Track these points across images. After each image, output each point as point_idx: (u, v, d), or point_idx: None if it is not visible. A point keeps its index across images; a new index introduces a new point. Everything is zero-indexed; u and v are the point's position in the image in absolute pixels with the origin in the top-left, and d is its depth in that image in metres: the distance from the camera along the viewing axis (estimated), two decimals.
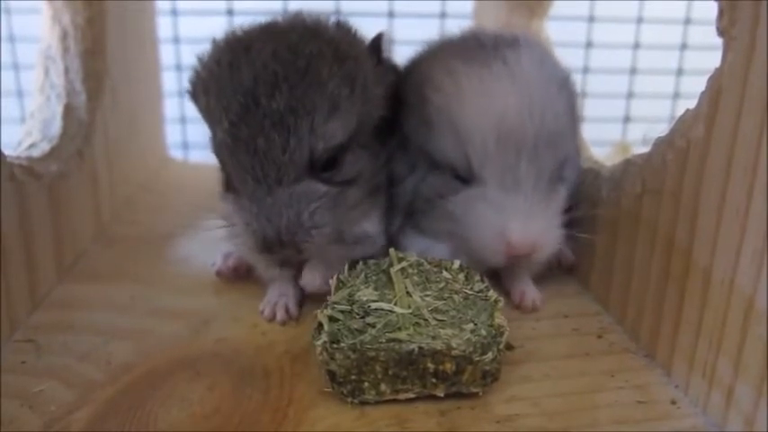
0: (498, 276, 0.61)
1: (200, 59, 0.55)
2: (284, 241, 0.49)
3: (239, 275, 0.62)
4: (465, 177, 0.54)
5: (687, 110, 0.47)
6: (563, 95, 0.55)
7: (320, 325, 0.46)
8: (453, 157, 0.54)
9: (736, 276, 0.42)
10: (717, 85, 0.43)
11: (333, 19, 0.57)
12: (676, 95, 1.25)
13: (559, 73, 0.57)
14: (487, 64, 0.54)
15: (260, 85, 0.48)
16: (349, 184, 0.53)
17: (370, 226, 0.57)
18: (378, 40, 0.57)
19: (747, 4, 0.40)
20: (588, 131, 0.78)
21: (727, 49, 0.42)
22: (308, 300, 0.58)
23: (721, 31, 0.43)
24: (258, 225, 0.49)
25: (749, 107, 0.40)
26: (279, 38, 0.51)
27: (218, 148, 0.51)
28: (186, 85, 0.55)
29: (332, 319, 0.46)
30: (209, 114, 0.52)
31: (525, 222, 0.52)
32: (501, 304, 0.48)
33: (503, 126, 0.51)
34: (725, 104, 0.42)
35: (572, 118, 0.57)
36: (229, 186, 0.53)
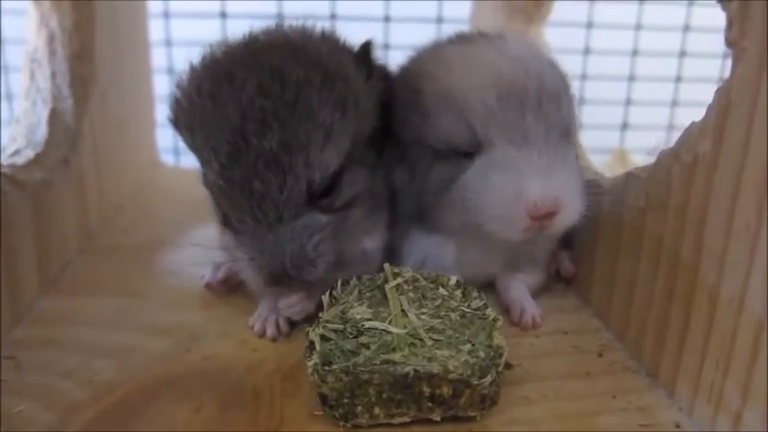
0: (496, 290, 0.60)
1: (179, 85, 0.52)
2: (293, 277, 0.47)
3: (229, 288, 0.61)
4: (471, 150, 0.51)
5: (693, 122, 0.46)
6: (554, 69, 0.54)
7: (312, 344, 0.44)
8: (455, 133, 0.51)
9: (745, 297, 0.40)
10: (725, 98, 0.41)
11: (318, 28, 0.55)
12: (675, 103, 1.24)
13: (547, 58, 0.55)
14: (476, 42, 0.54)
15: (248, 122, 0.46)
16: (349, 206, 0.51)
17: (371, 242, 0.55)
18: (366, 49, 0.55)
19: (759, 14, 0.38)
20: (586, 139, 0.77)
21: (737, 61, 0.40)
22: None
23: (730, 42, 0.41)
24: (263, 260, 0.47)
25: (761, 121, 0.38)
26: (262, 64, 0.48)
27: (211, 187, 0.49)
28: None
29: (324, 339, 0.44)
30: (196, 152, 0.50)
31: (544, 177, 0.49)
32: (500, 323, 0.46)
33: (501, 81, 0.50)
34: (734, 118, 0.41)
35: (567, 88, 0.54)
36: (227, 222, 0.51)
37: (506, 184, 0.49)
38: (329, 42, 0.54)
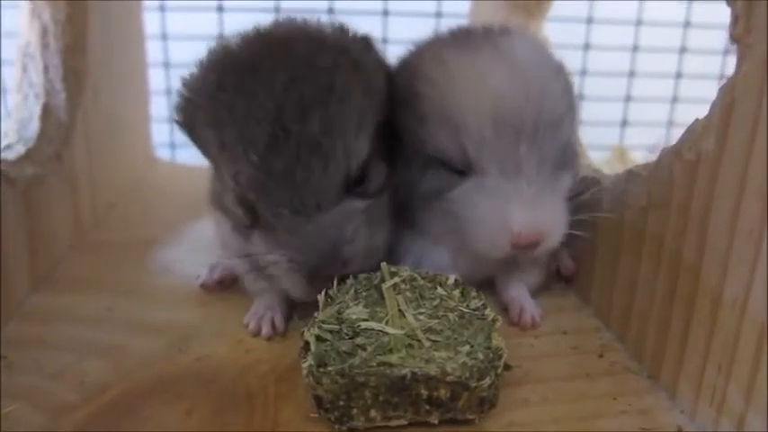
0: (494, 288, 0.59)
1: (188, 84, 0.51)
2: (332, 266, 0.46)
3: (225, 288, 0.60)
4: (462, 170, 0.51)
5: (696, 120, 0.45)
6: (560, 80, 0.53)
7: (307, 344, 0.43)
8: (448, 149, 0.50)
9: (749, 300, 0.39)
10: (730, 95, 0.40)
11: (327, 21, 0.54)
12: (675, 99, 1.23)
13: (554, 61, 0.55)
14: (479, 49, 0.52)
15: (286, 110, 0.45)
16: (378, 194, 0.51)
17: (382, 236, 0.52)
18: (369, 41, 0.54)
19: (765, 11, 0.37)
20: (585, 135, 0.76)
21: (742, 58, 0.39)
22: (295, 314, 0.55)
23: (735, 39, 0.40)
24: (303, 257, 0.46)
25: (766, 119, 0.37)
26: (288, 53, 0.48)
27: (245, 184, 0.46)
28: (175, 98, 0.52)
29: (319, 339, 0.43)
30: (223, 150, 0.47)
31: (530, 209, 0.48)
32: (499, 324, 0.45)
33: (499, 108, 0.48)
34: (739, 116, 0.40)
35: (570, 104, 0.54)
36: (254, 222, 0.49)
37: (492, 211, 0.49)
38: (344, 32, 0.53)
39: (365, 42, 0.54)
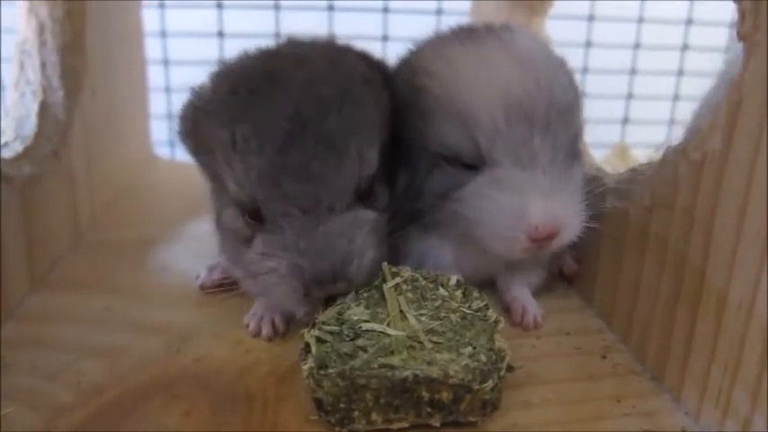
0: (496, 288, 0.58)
1: (198, 94, 0.51)
2: (338, 275, 0.45)
3: (224, 289, 0.59)
4: (473, 164, 0.49)
5: (695, 114, 0.44)
6: (565, 72, 0.52)
7: (307, 346, 0.42)
8: (458, 144, 0.49)
9: (755, 302, 0.39)
10: (737, 93, 0.40)
11: (326, 40, 0.54)
12: (676, 97, 1.23)
13: (557, 55, 0.54)
14: (482, 41, 0.51)
15: (304, 108, 0.45)
16: (383, 213, 0.50)
17: (381, 255, 0.50)
18: (371, 59, 0.55)
19: None
20: (586, 133, 0.76)
21: (749, 56, 0.39)
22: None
23: (742, 36, 0.39)
24: (309, 262, 0.44)
25: None
26: (302, 63, 0.48)
27: (256, 182, 0.45)
28: (178, 111, 0.52)
29: (320, 341, 0.42)
30: (233, 149, 0.45)
31: (547, 200, 0.47)
32: (501, 325, 0.45)
33: (510, 99, 0.48)
34: (746, 115, 0.39)
35: (577, 95, 0.53)
36: (257, 230, 0.47)
37: (509, 205, 0.48)
38: (350, 50, 0.55)
39: (369, 60, 0.55)
